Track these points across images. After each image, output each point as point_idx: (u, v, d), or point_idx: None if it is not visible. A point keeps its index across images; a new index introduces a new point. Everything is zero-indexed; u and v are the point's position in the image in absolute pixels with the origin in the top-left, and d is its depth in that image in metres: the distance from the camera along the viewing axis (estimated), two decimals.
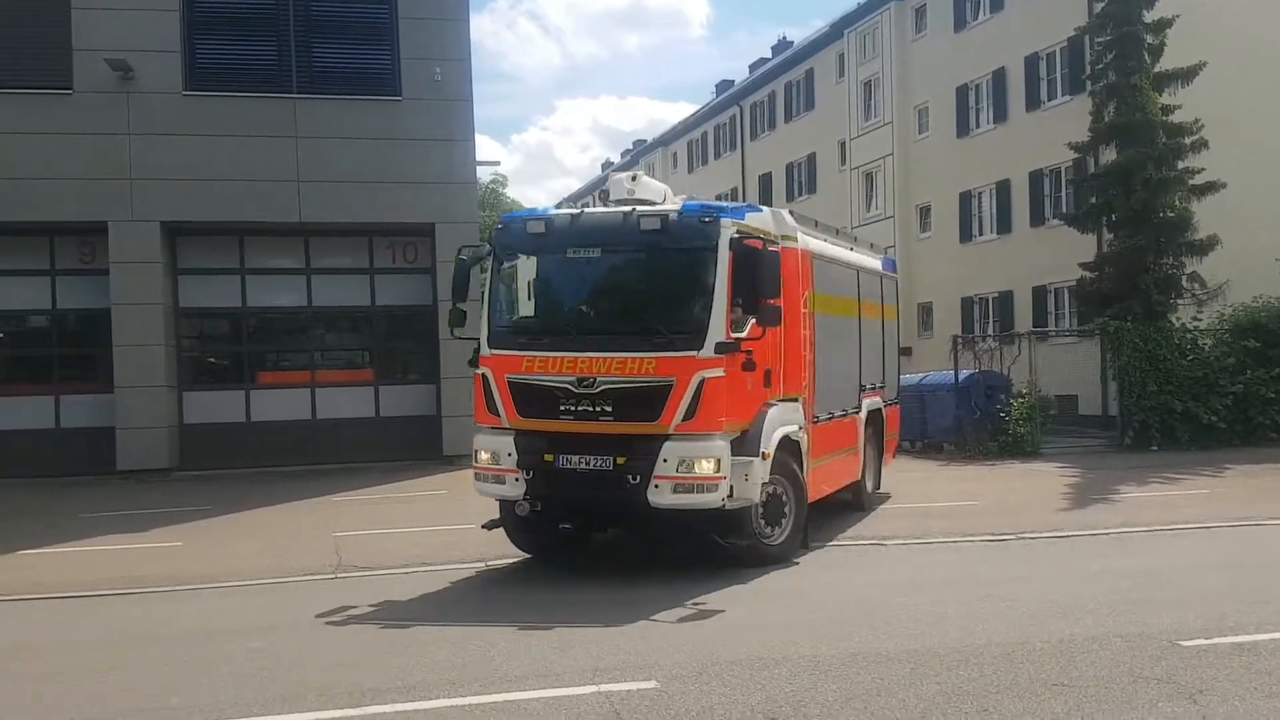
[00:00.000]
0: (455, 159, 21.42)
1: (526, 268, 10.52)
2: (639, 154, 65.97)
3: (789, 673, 6.51)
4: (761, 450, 9.76)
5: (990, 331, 29.50)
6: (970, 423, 21.73)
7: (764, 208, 10.87)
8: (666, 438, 9.35)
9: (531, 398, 9.75)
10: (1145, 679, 6.29)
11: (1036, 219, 30.68)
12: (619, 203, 10.40)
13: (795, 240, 10.96)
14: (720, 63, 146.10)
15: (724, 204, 10.35)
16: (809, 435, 11.03)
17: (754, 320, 9.55)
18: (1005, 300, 31.83)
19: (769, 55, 51.38)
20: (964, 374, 22.51)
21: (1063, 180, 29.34)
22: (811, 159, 43.88)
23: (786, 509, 10.41)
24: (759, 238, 10.01)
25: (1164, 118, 22.99)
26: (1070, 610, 8.11)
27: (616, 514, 10.11)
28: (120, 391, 20.02)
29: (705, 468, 9.35)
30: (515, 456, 9.74)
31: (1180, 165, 22.97)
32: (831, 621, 7.93)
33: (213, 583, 10.21)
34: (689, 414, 9.32)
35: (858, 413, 13.33)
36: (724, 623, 8.07)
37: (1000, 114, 32.36)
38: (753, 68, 51.89)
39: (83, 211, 19.95)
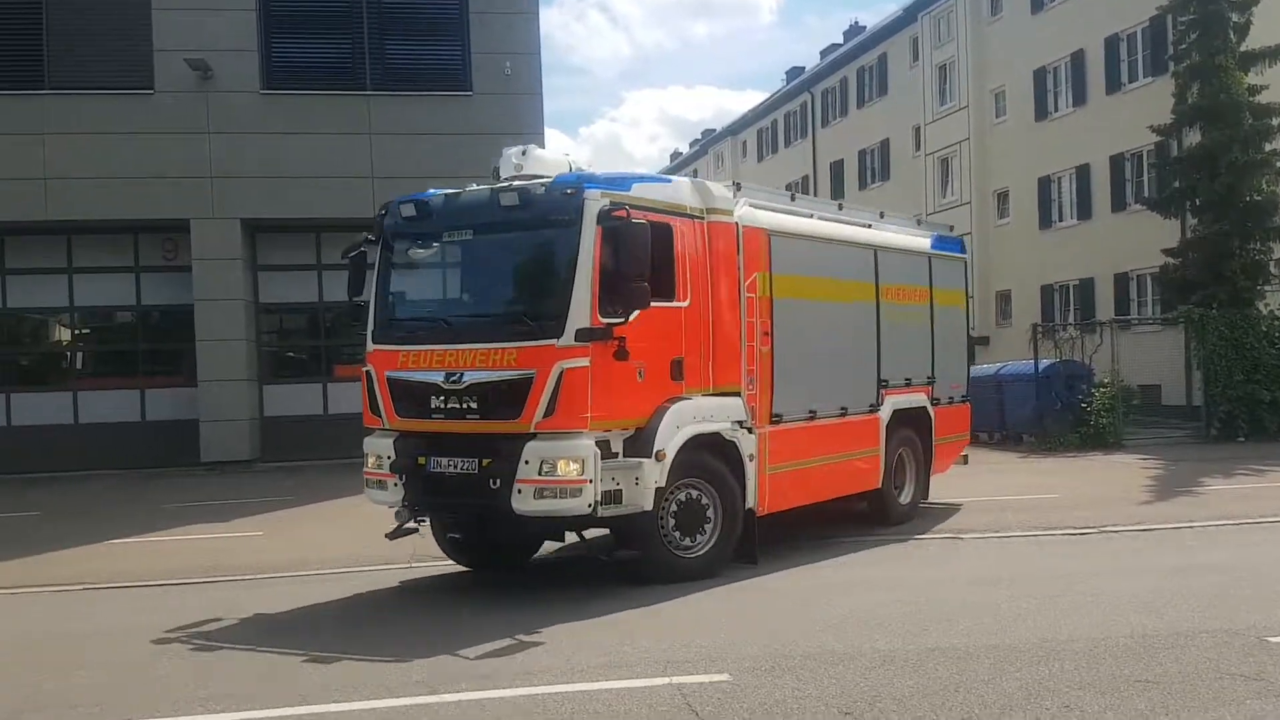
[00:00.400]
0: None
1: (404, 255, 9.74)
2: (708, 143, 65.78)
3: (863, 667, 6.44)
4: (655, 450, 8.68)
5: (1071, 320, 28.88)
6: (1051, 414, 21.30)
7: (676, 177, 9.93)
8: (530, 437, 8.42)
9: (407, 396, 9.07)
10: (1232, 675, 6.11)
11: (1118, 204, 29.93)
12: (507, 180, 9.48)
13: (730, 214, 9.73)
14: (790, 49, 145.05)
15: (604, 174, 9.28)
16: (764, 436, 9.88)
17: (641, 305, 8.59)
18: (1086, 288, 31.13)
19: (840, 41, 50.82)
20: (1044, 363, 22.07)
21: (1144, 164, 28.58)
22: (885, 145, 43.34)
23: (710, 516, 9.30)
24: (651, 210, 8.89)
25: (1250, 98, 22.29)
26: (1154, 605, 7.91)
27: (487, 520, 9.18)
28: (203, 385, 20.54)
29: (567, 470, 8.31)
30: (393, 459, 9.10)
31: (1268, 147, 22.27)
32: (907, 616, 7.82)
33: (294, 570, 10.42)
34: (549, 410, 8.35)
35: (873, 411, 11.71)
36: (795, 616, 8.01)
37: (1079, 97, 31.61)
38: (824, 54, 51.38)
39: (166, 209, 20.46)
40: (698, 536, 9.29)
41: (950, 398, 13.35)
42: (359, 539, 11.42)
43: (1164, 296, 26.45)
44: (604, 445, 8.51)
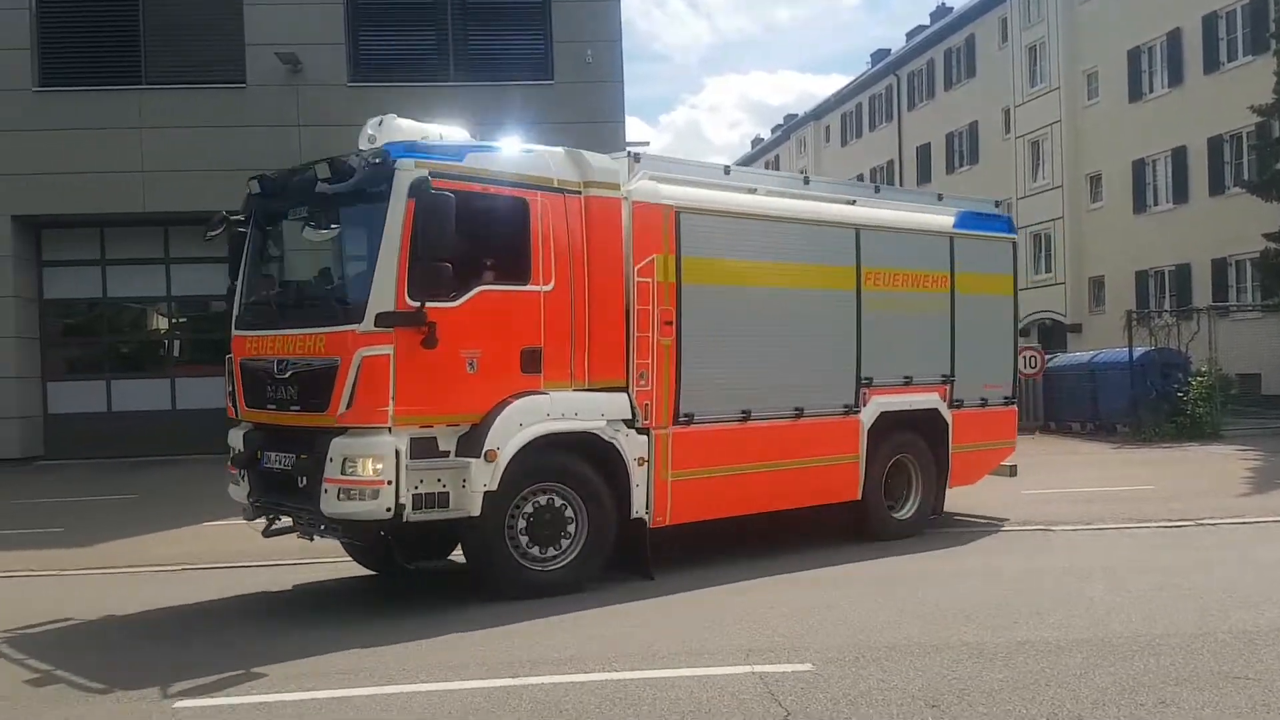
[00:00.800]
0: (606, 141, 21.55)
1: (257, 235, 9.06)
2: (790, 128, 65.25)
3: (950, 659, 6.33)
4: (485, 449, 7.84)
5: (1166, 306, 28.06)
6: (1145, 403, 20.75)
7: (542, 147, 8.72)
8: (339, 431, 7.73)
9: (253, 384, 8.54)
10: None
11: (1216, 187, 28.99)
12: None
13: (616, 189, 8.72)
14: (875, 31, 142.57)
15: (435, 143, 8.35)
16: (664, 437, 8.88)
17: (481, 287, 7.97)
18: (1182, 273, 30.22)
19: (927, 23, 49.93)
20: (1139, 351, 21.50)
21: (1244, 145, 27.63)
22: (973, 128, 42.51)
23: (572, 527, 8.37)
24: (493, 182, 8.10)
25: None
26: (1254, 600, 7.64)
27: (310, 521, 8.19)
28: None
29: (365, 469, 7.57)
30: (236, 453, 8.68)
31: None
32: (997, 608, 7.67)
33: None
34: (350, 402, 7.64)
35: (849, 413, 10.20)
36: (879, 606, 7.90)
37: (1175, 77, 30.65)
38: (910, 36, 50.55)
39: None
40: (556, 547, 8.34)
41: (982, 400, 11.43)
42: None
43: (1264, 282, 25.58)
44: (424, 443, 7.75)
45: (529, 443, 8.04)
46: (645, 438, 8.76)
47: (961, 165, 43.34)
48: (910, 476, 10.99)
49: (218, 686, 6.14)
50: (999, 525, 11.46)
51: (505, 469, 7.90)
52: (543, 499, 8.28)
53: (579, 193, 8.54)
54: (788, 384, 9.82)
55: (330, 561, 9.79)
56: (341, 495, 7.63)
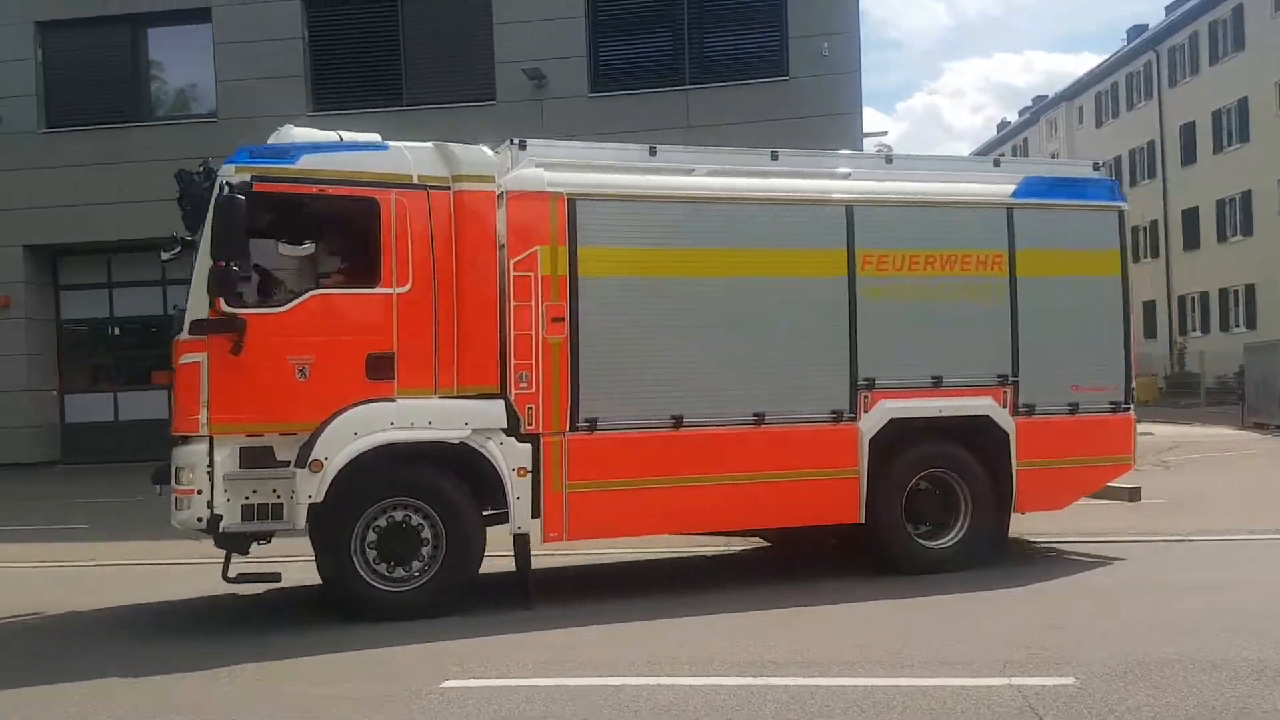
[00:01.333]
0: (842, 133, 21.27)
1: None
2: (1039, 110, 62.24)
3: (1228, 677, 5.86)
4: (310, 459, 7.48)
5: None
6: None
7: (401, 144, 8.17)
8: (182, 440, 7.72)
9: None
10: None
11: None
12: None
13: (490, 180, 8.17)
14: (1129, 6, 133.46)
15: (271, 145, 8.13)
16: (557, 444, 8.19)
17: (314, 291, 7.85)
18: None
19: None
20: None
21: None
22: (1242, 104, 39.20)
23: (427, 548, 7.92)
24: (332, 183, 7.79)
25: None
26: None
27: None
28: None
29: (183, 478, 7.55)
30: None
31: None
32: (1276, 621, 7.06)
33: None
34: (174, 410, 7.74)
35: (840, 420, 8.87)
36: (1144, 619, 7.43)
37: None
38: (1169, 9, 47.06)
39: None
40: (407, 569, 7.91)
41: (1071, 406, 9.44)
42: None
43: None
44: (257, 452, 7.57)
45: (366, 454, 7.63)
46: (525, 446, 8.09)
47: (1230, 144, 40.03)
48: (953, 497, 9.26)
49: (478, 669, 6.44)
50: (1260, 532, 10.52)
51: (334, 481, 7.53)
52: (398, 515, 7.88)
53: (447, 188, 8.06)
54: (740, 387, 8.70)
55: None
56: (176, 505, 7.67)
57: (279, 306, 7.77)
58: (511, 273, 8.14)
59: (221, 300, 7.47)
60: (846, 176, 9.34)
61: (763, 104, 21.25)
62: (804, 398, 8.85)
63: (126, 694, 6.32)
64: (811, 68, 21.10)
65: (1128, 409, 9.71)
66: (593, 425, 8.28)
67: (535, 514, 8.14)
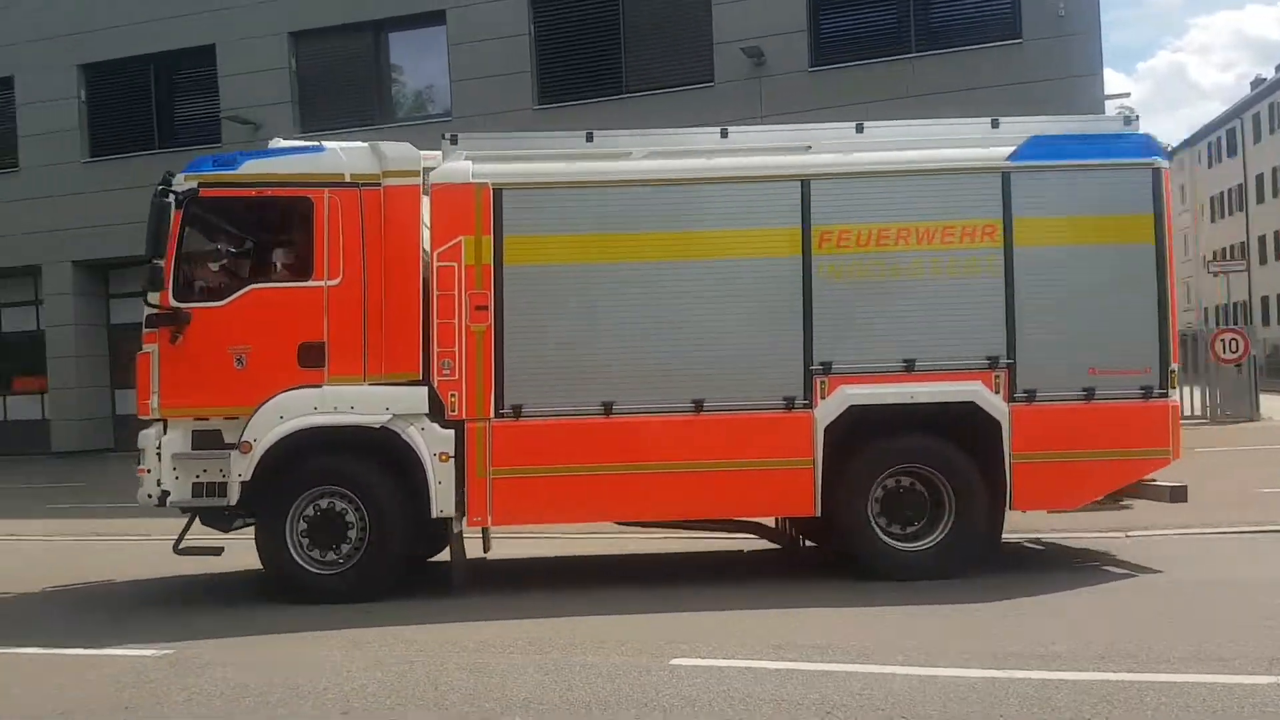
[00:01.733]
0: (1081, 97, 20.07)
1: None
2: None
3: None
4: (241, 440, 8.15)
5: None
6: None
7: (336, 144, 8.74)
8: (142, 424, 8.58)
9: None
10: None
11: None
12: None
13: (414, 176, 8.52)
14: None
15: (216, 156, 8.95)
16: (481, 430, 8.32)
17: (251, 286, 8.56)
18: None
19: None
20: None
21: None
22: None
23: (352, 532, 8.36)
24: (268, 185, 8.53)
25: None
26: None
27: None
28: None
29: (141, 460, 8.41)
30: None
31: None
32: None
33: None
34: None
35: (793, 408, 8.41)
36: None
37: None
38: None
39: None
40: (336, 551, 8.39)
41: (1085, 391, 8.43)
42: None
43: None
44: (207, 435, 8.35)
45: (292, 437, 8.19)
46: (449, 432, 8.29)
47: None
48: (935, 493, 8.55)
49: (704, 648, 6.50)
50: None
51: (262, 461, 8.13)
52: (324, 503, 8.37)
53: (378, 185, 8.46)
54: (677, 373, 8.43)
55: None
56: (139, 484, 8.48)
57: (219, 300, 8.50)
58: (435, 263, 8.41)
59: (169, 295, 8.32)
60: (806, 150, 8.76)
61: (993, 70, 20.33)
62: (752, 384, 8.47)
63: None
64: (1047, 29, 20.01)
65: (1164, 395, 8.50)
66: (517, 412, 8.41)
67: (459, 499, 8.35)
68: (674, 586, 8.69)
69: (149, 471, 8.34)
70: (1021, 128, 8.74)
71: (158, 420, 8.40)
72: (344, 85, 24.71)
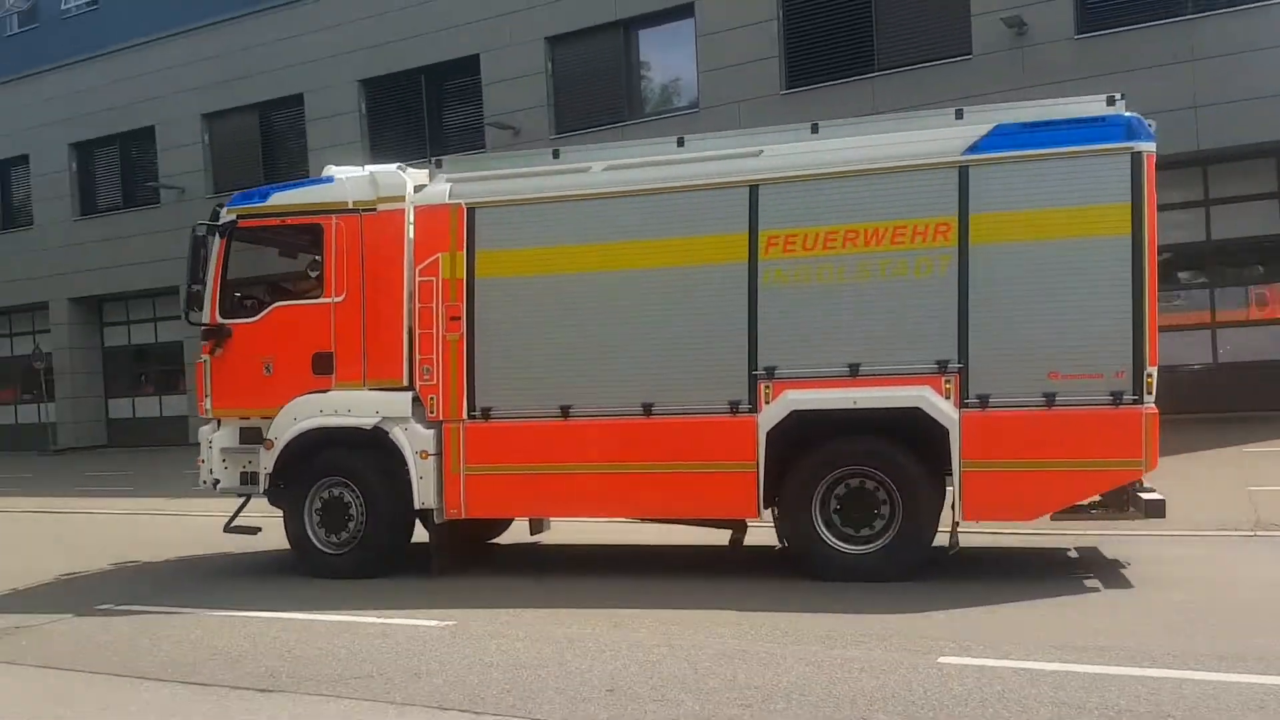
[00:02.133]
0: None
1: None
2: None
3: None
4: (266, 439, 9.59)
5: None
6: None
7: (345, 174, 9.80)
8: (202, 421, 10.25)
9: None
10: None
11: None
12: None
13: (400, 200, 9.43)
14: None
15: (253, 190, 10.31)
16: (454, 431, 9.17)
17: (277, 304, 9.85)
18: None
19: None
20: None
21: None
22: None
23: (353, 516, 9.56)
24: (290, 214, 9.80)
25: None
26: None
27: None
28: None
29: (200, 453, 10.02)
30: None
31: None
32: None
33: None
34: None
35: (737, 412, 8.45)
36: None
37: None
38: None
39: None
40: (336, 536, 9.61)
41: (1046, 397, 7.87)
42: (1190, 502, 10.52)
43: None
44: (251, 432, 9.77)
45: (303, 436, 9.45)
46: (429, 432, 9.18)
47: None
48: (884, 498, 8.34)
49: (974, 647, 6.32)
50: None
51: (281, 456, 9.47)
52: (334, 491, 9.58)
53: (373, 209, 9.44)
54: (629, 378, 8.75)
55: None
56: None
57: (252, 317, 9.83)
58: (416, 278, 9.29)
59: (216, 313, 9.80)
60: (758, 154, 8.62)
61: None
62: (699, 389, 8.63)
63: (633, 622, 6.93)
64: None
65: (1138, 401, 7.76)
66: (486, 414, 9.14)
67: (439, 492, 9.22)
68: (924, 581, 8.43)
69: (204, 462, 9.94)
70: (989, 116, 8.31)
71: (212, 419, 9.95)
72: (595, 85, 25.35)
